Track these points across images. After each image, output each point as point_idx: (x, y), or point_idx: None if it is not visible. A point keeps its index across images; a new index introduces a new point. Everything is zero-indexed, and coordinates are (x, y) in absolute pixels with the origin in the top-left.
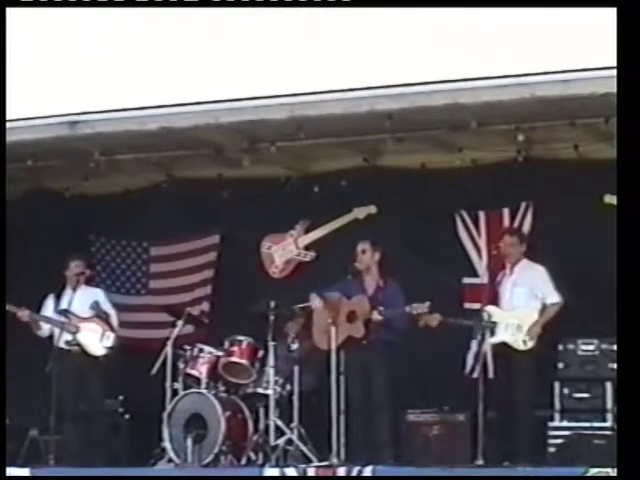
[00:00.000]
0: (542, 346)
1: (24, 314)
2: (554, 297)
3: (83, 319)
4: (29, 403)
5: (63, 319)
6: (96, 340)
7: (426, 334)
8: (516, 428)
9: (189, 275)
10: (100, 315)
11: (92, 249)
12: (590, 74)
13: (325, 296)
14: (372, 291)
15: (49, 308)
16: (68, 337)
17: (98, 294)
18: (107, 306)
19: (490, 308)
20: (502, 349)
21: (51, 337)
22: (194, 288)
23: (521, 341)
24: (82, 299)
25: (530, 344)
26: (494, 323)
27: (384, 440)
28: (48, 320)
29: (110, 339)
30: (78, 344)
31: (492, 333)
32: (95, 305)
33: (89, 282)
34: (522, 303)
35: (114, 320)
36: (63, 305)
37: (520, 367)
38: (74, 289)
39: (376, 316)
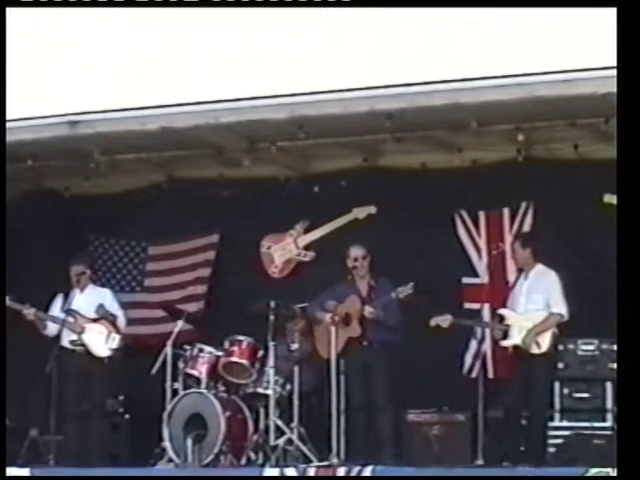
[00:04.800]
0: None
1: (29, 312)
2: (559, 307)
3: (89, 320)
4: (29, 403)
5: (69, 318)
6: (101, 341)
7: (426, 334)
8: (516, 428)
9: (183, 273)
10: (106, 317)
11: (90, 248)
12: (590, 74)
13: (325, 307)
14: (365, 292)
15: (57, 307)
16: (73, 337)
17: (106, 295)
18: (114, 307)
19: (504, 311)
20: (512, 351)
21: (57, 337)
22: (187, 286)
23: (534, 344)
24: (89, 299)
25: (544, 347)
26: (507, 326)
27: (384, 440)
28: (53, 319)
29: (115, 341)
30: (83, 344)
31: (505, 336)
32: (100, 308)
33: (96, 282)
34: (539, 308)
35: (121, 321)
36: (70, 305)
37: (531, 369)
38: (81, 289)
39: (368, 311)
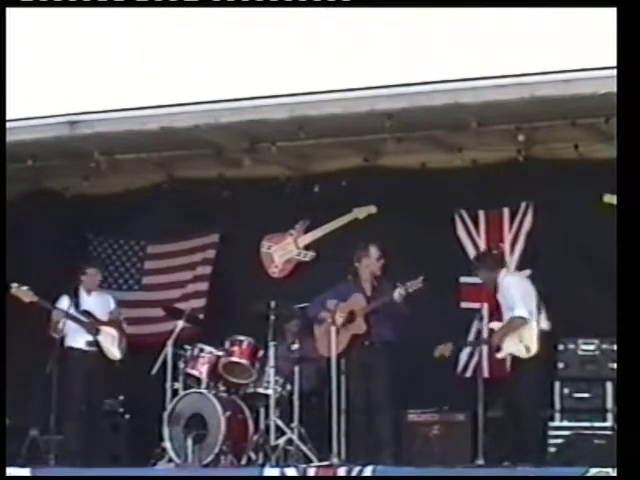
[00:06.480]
0: (543, 346)
1: (58, 314)
2: (519, 310)
3: (103, 322)
4: (29, 403)
5: (85, 319)
6: (115, 344)
7: (425, 334)
8: (516, 428)
9: (182, 272)
10: (116, 320)
11: (90, 248)
12: (590, 74)
13: (326, 306)
14: (370, 291)
15: (63, 308)
16: (89, 338)
17: (110, 298)
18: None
19: (494, 325)
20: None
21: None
22: (186, 284)
23: (524, 350)
24: (97, 301)
25: (533, 351)
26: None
27: (384, 440)
28: (75, 319)
29: (124, 343)
30: (98, 345)
31: (498, 349)
32: (115, 311)
33: (102, 284)
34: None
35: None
36: (83, 306)
37: (531, 369)
38: (88, 292)
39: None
